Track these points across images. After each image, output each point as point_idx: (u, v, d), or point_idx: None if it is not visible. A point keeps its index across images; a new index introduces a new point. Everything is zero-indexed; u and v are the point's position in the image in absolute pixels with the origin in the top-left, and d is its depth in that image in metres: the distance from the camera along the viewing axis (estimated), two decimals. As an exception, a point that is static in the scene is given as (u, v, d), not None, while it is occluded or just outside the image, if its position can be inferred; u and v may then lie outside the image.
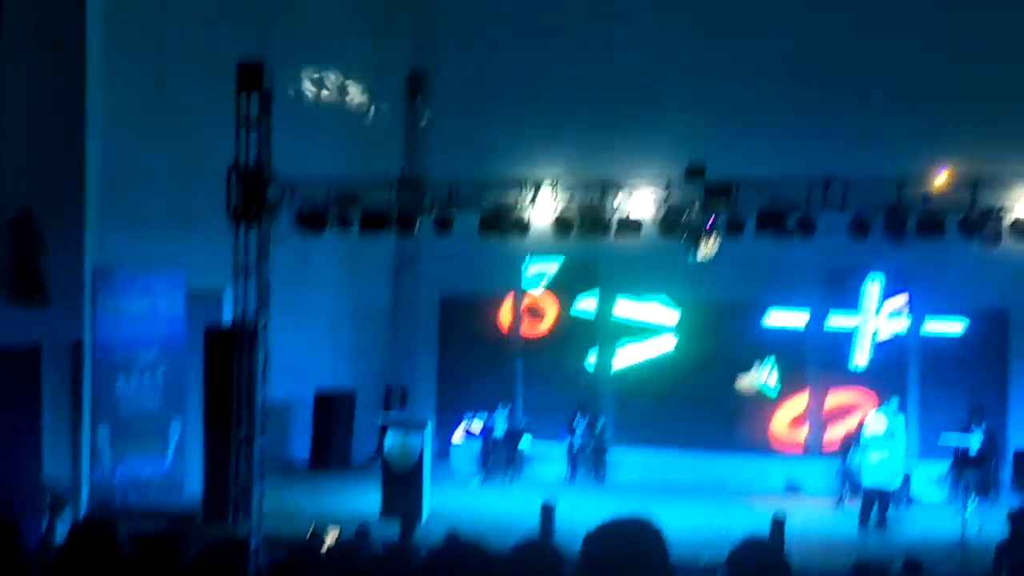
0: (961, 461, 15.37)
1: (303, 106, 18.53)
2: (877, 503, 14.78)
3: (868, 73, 17.91)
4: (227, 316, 14.99)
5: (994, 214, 13.35)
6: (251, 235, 14.18)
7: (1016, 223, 13.36)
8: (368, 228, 14.48)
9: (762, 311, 18.78)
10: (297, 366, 18.61)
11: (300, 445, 19.20)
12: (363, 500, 15.78)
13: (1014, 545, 10.82)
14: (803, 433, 18.65)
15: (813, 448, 18.50)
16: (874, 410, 15.04)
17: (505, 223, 14.20)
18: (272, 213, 14.32)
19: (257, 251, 14.18)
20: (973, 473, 15.20)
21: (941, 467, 16.84)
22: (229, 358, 14.03)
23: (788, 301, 18.66)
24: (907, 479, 16.29)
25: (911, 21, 17.99)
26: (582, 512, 15.40)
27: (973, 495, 15.26)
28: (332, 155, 17.77)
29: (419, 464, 14.90)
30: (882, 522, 14.63)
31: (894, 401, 15.04)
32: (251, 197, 14.07)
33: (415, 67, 19.78)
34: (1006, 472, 17.61)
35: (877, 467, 14.77)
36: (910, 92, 17.78)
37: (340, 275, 19.69)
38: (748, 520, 14.97)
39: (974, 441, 16.32)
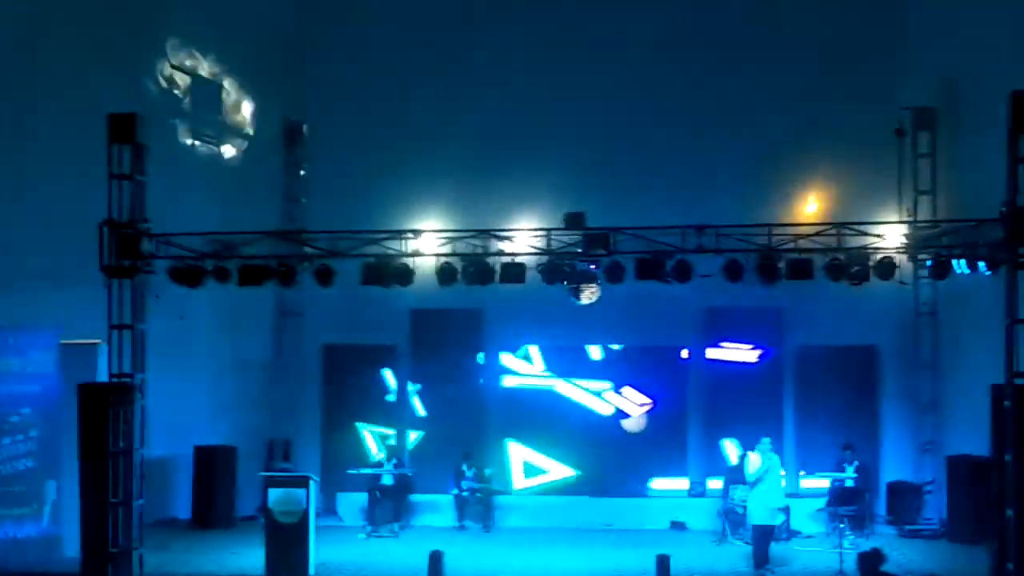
0: (836, 495, 15.78)
1: (178, 158, 18.28)
2: (762, 539, 15.03)
3: (737, 124, 18.50)
4: (103, 372, 14.66)
5: (859, 256, 13.89)
6: (125, 290, 13.97)
7: (880, 264, 13.92)
8: (247, 281, 14.38)
9: (642, 355, 19.02)
10: (176, 421, 18.24)
11: (181, 503, 18.79)
12: (248, 558, 15.51)
13: None
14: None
15: (696, 486, 18.81)
16: (751, 450, 15.34)
17: (387, 273, 14.25)
18: (147, 267, 14.13)
19: (132, 306, 13.98)
20: (848, 507, 15.60)
21: (818, 502, 17.28)
22: (104, 415, 13.70)
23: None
24: (787, 513, 16.67)
25: (777, 77, 18.64)
26: (471, 560, 15.47)
27: (848, 528, 15.72)
28: (209, 208, 17.57)
29: (304, 518, 14.71)
30: (765, 558, 14.91)
31: (766, 441, 15.38)
32: (124, 251, 13.87)
33: (291, 117, 19.72)
34: (880, 504, 18.17)
35: (757, 505, 15.05)
36: (778, 142, 18.39)
37: (219, 328, 19.41)
38: (635, 559, 15.16)
39: (848, 476, 16.81)
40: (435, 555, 13.50)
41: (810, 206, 18.21)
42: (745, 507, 16.78)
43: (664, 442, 18.99)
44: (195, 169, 18.58)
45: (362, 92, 19.45)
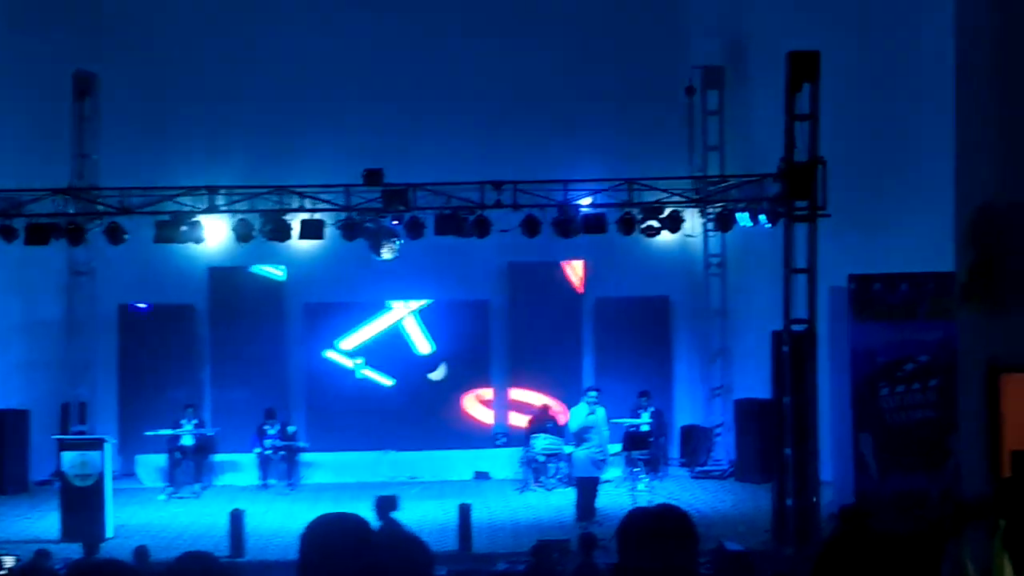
0: (630, 440, 16.35)
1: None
2: (586, 491, 15.23)
3: (532, 81, 18.78)
4: None
5: (650, 210, 14.42)
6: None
7: (669, 218, 14.49)
8: (34, 240, 13.96)
9: (451, 308, 19.24)
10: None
11: (-30, 470, 18.09)
12: (42, 523, 15.15)
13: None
14: (491, 416, 19.27)
15: (499, 436, 19.14)
16: (577, 405, 15.58)
17: (181, 230, 14.04)
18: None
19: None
20: (641, 451, 16.20)
21: (616, 447, 17.88)
22: None
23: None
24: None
25: (569, 35, 18.96)
26: (274, 517, 15.47)
27: (643, 471, 16.37)
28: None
29: (100, 481, 14.43)
30: (591, 511, 15.02)
31: (592, 394, 15.72)
32: (-98, 210, 13.29)
33: (81, 69, 18.96)
34: (674, 448, 18.96)
35: (579, 458, 15.41)
36: (573, 100, 18.77)
37: (6, 288, 18.69)
38: (439, 510, 15.43)
39: (643, 421, 17.47)
40: (236, 513, 13.48)
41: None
42: (547, 456, 17.30)
43: (468, 395, 19.28)
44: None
45: (158, 44, 18.90)
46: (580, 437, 15.30)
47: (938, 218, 13.63)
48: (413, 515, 15.34)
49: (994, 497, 11.33)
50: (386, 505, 10.89)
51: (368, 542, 4.44)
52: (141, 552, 11.01)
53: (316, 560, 4.24)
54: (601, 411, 15.42)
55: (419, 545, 4.41)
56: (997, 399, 11.89)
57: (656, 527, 4.18)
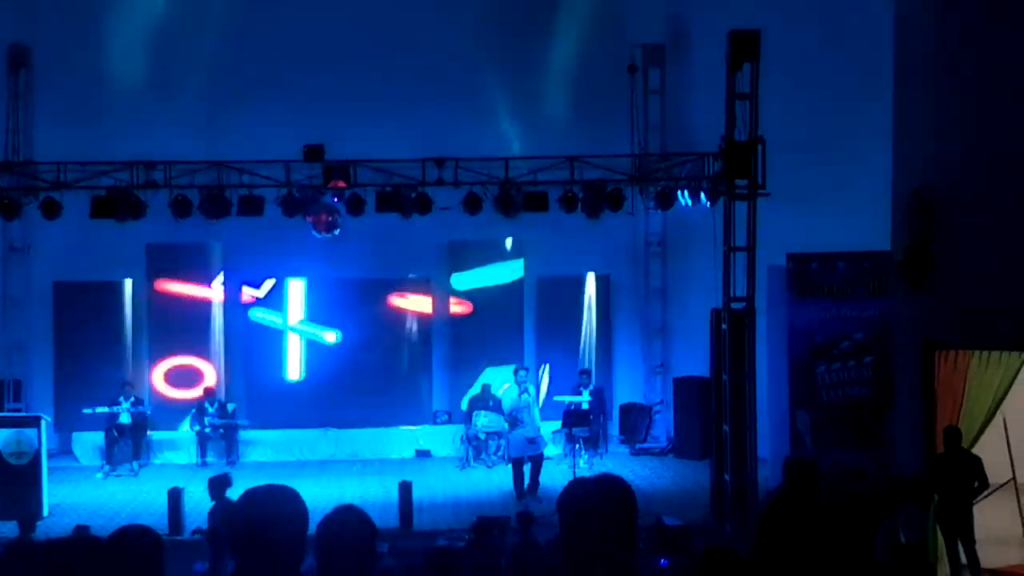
0: (570, 418, 16.46)
1: None
2: (528, 469, 15.30)
3: (474, 58, 18.66)
4: None
5: (591, 188, 14.46)
6: None
7: (610, 196, 14.54)
8: (-34, 215, 13.72)
9: (390, 287, 19.16)
10: None
11: (-99, 449, 17.76)
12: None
13: None
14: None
15: (440, 414, 19.13)
16: (509, 383, 15.68)
17: (118, 206, 13.86)
18: None
19: None
20: (581, 428, 16.29)
21: (556, 425, 17.99)
22: None
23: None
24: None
25: (511, 12, 18.82)
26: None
27: (583, 448, 16.49)
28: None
29: (36, 459, 14.27)
30: (535, 486, 15.17)
31: (522, 372, 15.82)
32: None
33: (16, 41, 18.61)
34: (614, 425, 19.08)
35: (518, 437, 15.46)
36: (515, 77, 18.71)
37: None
38: (380, 487, 15.44)
39: (583, 399, 17.57)
40: (174, 492, 13.39)
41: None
42: (487, 433, 17.37)
43: (410, 373, 19.24)
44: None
45: (93, 17, 18.56)
46: (514, 418, 15.40)
47: (875, 198, 13.84)
48: (354, 493, 15.38)
49: (927, 472, 11.57)
50: (219, 484, 10.91)
51: (305, 515, 4.46)
52: (81, 532, 10.91)
53: (255, 533, 4.23)
54: (532, 390, 15.55)
55: (363, 518, 4.43)
56: (931, 376, 12.11)
57: (596, 494, 4.26)
